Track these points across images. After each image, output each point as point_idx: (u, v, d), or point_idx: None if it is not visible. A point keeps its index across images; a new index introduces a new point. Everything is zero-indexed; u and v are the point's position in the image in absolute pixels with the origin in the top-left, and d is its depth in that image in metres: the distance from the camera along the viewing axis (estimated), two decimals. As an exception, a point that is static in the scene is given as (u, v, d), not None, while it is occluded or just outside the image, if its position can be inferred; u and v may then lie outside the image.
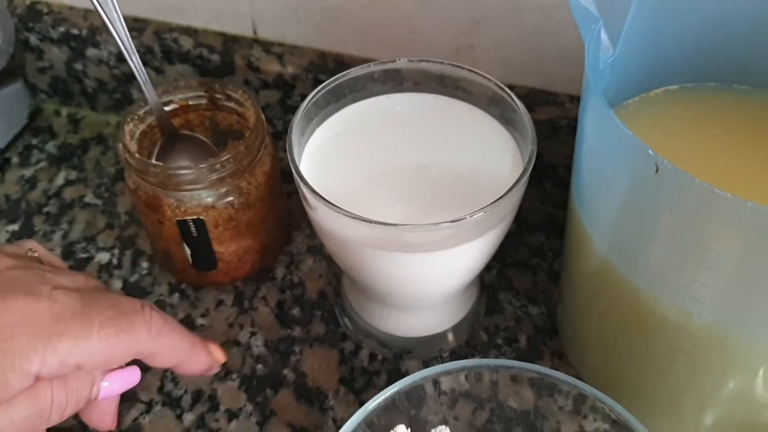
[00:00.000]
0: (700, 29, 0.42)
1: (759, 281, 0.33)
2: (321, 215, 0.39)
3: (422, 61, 0.45)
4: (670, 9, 0.40)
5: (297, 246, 0.55)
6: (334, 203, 0.37)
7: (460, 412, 0.42)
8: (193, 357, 0.39)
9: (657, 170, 0.30)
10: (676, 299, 0.35)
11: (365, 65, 0.44)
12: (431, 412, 0.42)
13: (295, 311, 0.51)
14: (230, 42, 0.58)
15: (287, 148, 0.40)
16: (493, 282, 0.53)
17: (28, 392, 0.33)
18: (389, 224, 0.37)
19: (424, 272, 0.41)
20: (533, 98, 0.53)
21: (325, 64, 0.56)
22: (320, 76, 0.55)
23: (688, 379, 0.39)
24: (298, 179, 0.39)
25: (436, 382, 0.41)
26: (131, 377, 0.38)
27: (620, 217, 0.36)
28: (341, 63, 0.55)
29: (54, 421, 0.34)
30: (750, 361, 0.37)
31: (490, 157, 0.42)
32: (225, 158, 0.45)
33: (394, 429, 0.39)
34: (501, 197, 0.38)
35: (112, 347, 0.34)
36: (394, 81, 0.46)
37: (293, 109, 0.55)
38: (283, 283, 0.53)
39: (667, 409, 0.42)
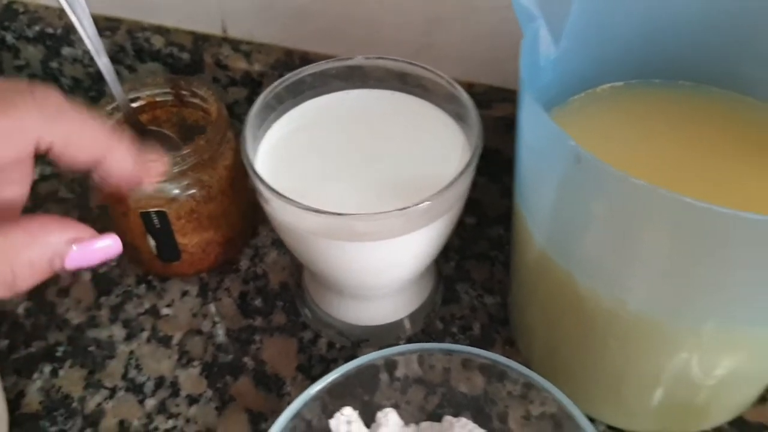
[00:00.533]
0: (643, 28, 0.43)
1: (684, 271, 0.34)
2: (274, 207, 0.41)
3: (379, 58, 0.47)
4: (610, 8, 0.41)
5: (262, 239, 0.56)
6: (284, 195, 0.39)
7: (413, 396, 0.43)
8: (114, 152, 0.33)
9: (579, 161, 0.32)
10: (609, 289, 0.37)
11: (322, 62, 0.46)
12: (384, 397, 0.43)
13: (258, 302, 0.53)
14: (200, 41, 0.59)
15: (241, 141, 0.42)
16: (451, 273, 0.54)
17: None
18: (337, 214, 0.38)
19: (375, 261, 0.43)
20: (491, 95, 0.54)
21: (292, 62, 0.57)
22: (286, 73, 0.56)
23: (624, 364, 0.41)
24: (250, 172, 0.40)
25: (388, 366, 0.42)
26: (110, 247, 0.32)
27: (554, 211, 0.37)
28: (307, 60, 0.56)
29: (14, 291, 0.30)
30: (682, 346, 0.38)
31: (441, 151, 0.44)
32: (185, 152, 0.46)
33: (341, 410, 0.40)
34: (445, 188, 0.39)
35: None
36: (352, 77, 0.47)
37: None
38: (247, 275, 0.54)
39: (608, 393, 0.44)
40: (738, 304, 0.35)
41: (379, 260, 0.42)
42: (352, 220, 0.39)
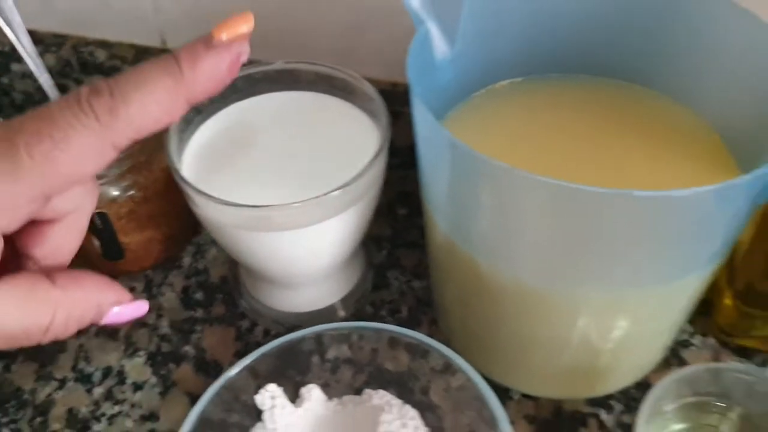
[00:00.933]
0: (534, 26, 0.47)
1: (565, 245, 0.38)
2: (198, 204, 0.44)
3: (299, 62, 0.50)
4: (502, 8, 0.45)
5: (203, 237, 0.60)
6: (204, 191, 0.43)
7: (342, 375, 0.47)
8: (175, 95, 0.30)
9: (454, 150, 0.36)
10: (506, 267, 0.40)
11: (244, 68, 0.49)
12: (315, 377, 0.46)
13: (199, 295, 0.56)
14: (141, 53, 0.63)
15: (165, 143, 0.45)
16: (383, 261, 0.58)
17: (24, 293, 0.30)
18: (253, 206, 0.42)
19: (295, 249, 0.46)
20: (413, 94, 0.58)
21: (226, 69, 0.61)
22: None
23: (530, 334, 0.44)
24: (174, 172, 0.44)
25: (319, 348, 0.45)
26: (139, 309, 0.35)
27: (449, 199, 0.40)
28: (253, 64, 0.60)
29: (49, 337, 0.31)
30: (576, 313, 0.41)
31: (357, 146, 0.47)
32: (121, 155, 0.50)
33: (266, 387, 0.44)
34: (354, 177, 0.43)
35: (60, 165, 0.28)
36: (275, 81, 0.51)
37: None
38: (189, 271, 0.58)
39: (519, 363, 0.47)
40: (618, 270, 0.38)
41: (300, 248, 0.46)
42: (269, 211, 0.42)
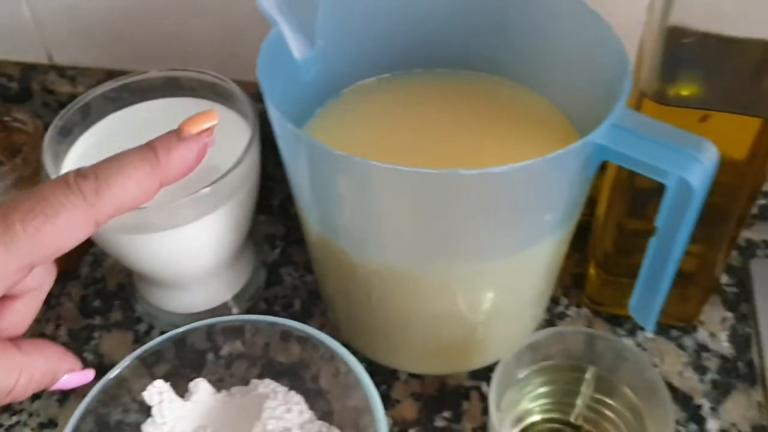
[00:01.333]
0: (393, 24, 0.49)
1: (422, 228, 0.41)
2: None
3: (171, 69, 0.52)
4: (354, 8, 0.47)
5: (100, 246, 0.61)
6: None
7: (236, 370, 0.49)
8: (152, 178, 0.35)
9: (298, 140, 0.38)
10: (373, 253, 0.42)
11: (114, 80, 0.51)
12: (210, 373, 0.48)
13: (97, 303, 0.58)
14: (28, 70, 0.64)
15: (42, 157, 0.47)
16: (277, 259, 0.60)
17: None
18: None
19: (176, 249, 0.48)
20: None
21: (113, 81, 0.62)
22: (110, 92, 0.62)
23: (404, 314, 0.46)
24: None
25: (214, 346, 0.47)
26: (86, 377, 0.40)
27: (308, 191, 0.42)
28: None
29: (10, 399, 0.34)
30: (443, 289, 0.44)
31: (230, 147, 0.49)
32: (5, 170, 0.51)
33: (153, 383, 0.45)
34: (222, 175, 0.45)
35: (49, 238, 0.31)
36: (153, 89, 0.52)
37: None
38: (87, 280, 0.59)
39: (401, 344, 0.50)
40: (474, 244, 0.41)
41: (180, 247, 0.48)
42: (143, 213, 0.44)
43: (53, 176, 0.47)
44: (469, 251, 0.42)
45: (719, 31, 0.39)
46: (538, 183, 0.38)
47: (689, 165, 0.36)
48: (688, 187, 0.36)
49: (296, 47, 0.45)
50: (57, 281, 0.58)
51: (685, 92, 0.42)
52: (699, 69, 0.41)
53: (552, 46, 0.46)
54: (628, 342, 0.51)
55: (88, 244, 0.59)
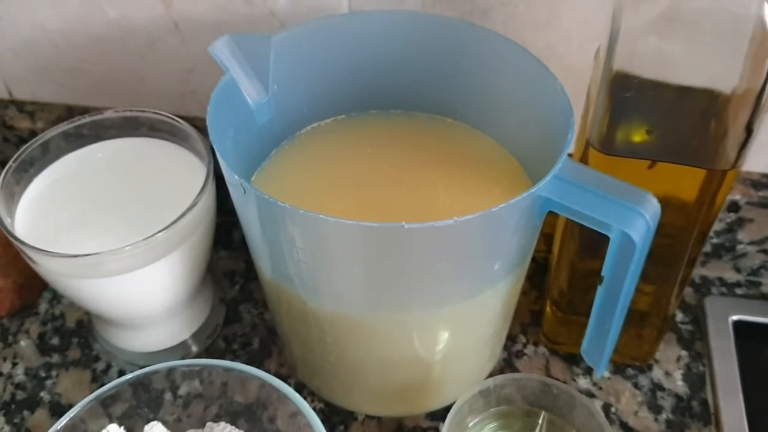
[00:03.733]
0: (347, 68, 0.49)
1: (373, 277, 0.41)
2: (30, 256, 0.46)
3: (126, 110, 0.52)
4: (305, 56, 0.47)
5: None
6: (30, 243, 0.44)
7: (193, 410, 0.49)
8: None
9: (245, 192, 0.38)
10: (326, 300, 0.43)
11: (67, 122, 0.51)
12: (168, 413, 0.48)
13: (55, 340, 0.57)
14: (-13, 104, 0.64)
15: (-6, 199, 0.47)
16: (236, 296, 0.60)
17: None
18: (77, 255, 0.44)
19: (130, 292, 0.48)
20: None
21: (73, 117, 0.62)
22: (69, 127, 0.62)
23: (360, 357, 0.47)
24: (1, 227, 0.45)
25: (172, 386, 0.47)
26: None
27: (263, 243, 0.42)
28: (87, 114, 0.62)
29: None
30: (398, 334, 0.44)
31: (185, 189, 0.48)
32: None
33: (107, 427, 0.45)
34: (176, 219, 0.45)
35: None
36: (108, 128, 0.52)
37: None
38: (46, 317, 0.59)
39: (356, 386, 0.50)
40: (426, 291, 0.41)
41: (134, 291, 0.48)
42: (95, 258, 0.44)
43: (5, 219, 0.46)
44: (421, 299, 0.42)
45: (665, 78, 0.39)
46: (483, 234, 0.38)
47: (631, 219, 0.36)
48: (631, 241, 0.36)
49: (250, 93, 0.45)
50: (15, 317, 0.59)
51: (634, 138, 0.42)
52: (644, 117, 0.41)
53: (501, 93, 0.46)
54: (581, 382, 0.51)
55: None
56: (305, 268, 0.41)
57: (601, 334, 0.43)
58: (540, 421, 0.44)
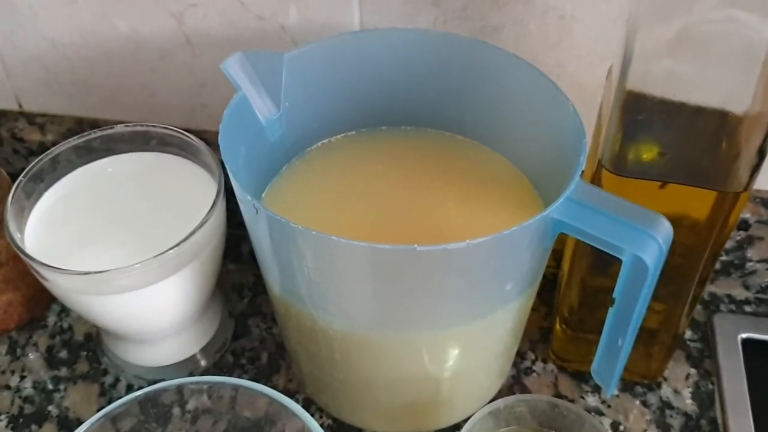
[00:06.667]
0: (358, 85, 0.49)
1: (384, 297, 0.41)
2: (38, 271, 0.46)
3: (137, 124, 0.52)
4: (321, 71, 0.48)
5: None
6: (40, 260, 0.44)
7: (201, 426, 0.49)
8: None
9: (257, 212, 0.38)
10: (336, 318, 0.42)
11: (77, 136, 0.51)
12: (176, 428, 0.48)
13: (63, 354, 0.57)
14: (-1, 116, 0.64)
15: (5, 215, 0.46)
16: (245, 309, 0.60)
17: None
18: (88, 272, 0.44)
19: (140, 309, 0.48)
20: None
21: (83, 129, 0.62)
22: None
23: (368, 374, 0.47)
24: (11, 242, 0.45)
25: (180, 401, 0.47)
26: None
27: (273, 261, 0.42)
28: (97, 127, 0.61)
29: None
30: (408, 353, 0.44)
31: (196, 204, 0.48)
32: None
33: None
34: (187, 236, 0.45)
35: None
36: (119, 142, 0.53)
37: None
38: (54, 330, 0.59)
39: (364, 403, 0.50)
40: (437, 312, 0.41)
41: (145, 307, 0.48)
42: (106, 276, 0.44)
43: (15, 235, 0.46)
44: (431, 319, 0.42)
45: (677, 98, 0.39)
46: (495, 256, 0.38)
47: (644, 243, 0.36)
48: (643, 264, 0.36)
49: (261, 111, 0.45)
50: (23, 330, 0.59)
51: (646, 158, 0.42)
52: (657, 137, 0.41)
53: (512, 110, 0.46)
54: (590, 400, 0.51)
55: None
56: (315, 287, 0.41)
57: (612, 355, 0.43)
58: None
